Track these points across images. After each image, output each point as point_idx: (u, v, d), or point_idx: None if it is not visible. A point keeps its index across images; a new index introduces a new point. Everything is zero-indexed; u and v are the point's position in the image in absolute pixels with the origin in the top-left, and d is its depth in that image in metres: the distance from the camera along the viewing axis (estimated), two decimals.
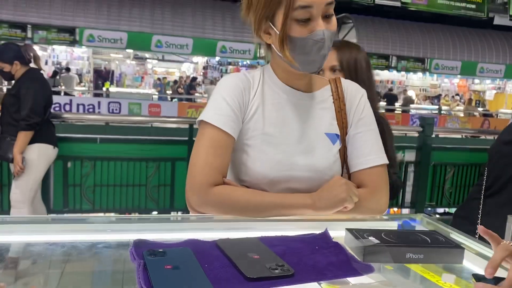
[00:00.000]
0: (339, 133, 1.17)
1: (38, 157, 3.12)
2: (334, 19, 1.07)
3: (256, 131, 1.12)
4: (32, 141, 3.08)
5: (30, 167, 3.11)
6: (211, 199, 1.05)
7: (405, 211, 4.51)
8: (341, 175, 1.18)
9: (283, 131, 1.13)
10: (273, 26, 1.06)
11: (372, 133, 1.17)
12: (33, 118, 3.02)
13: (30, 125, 3.04)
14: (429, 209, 4.99)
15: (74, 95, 12.16)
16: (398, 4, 6.65)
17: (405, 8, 6.84)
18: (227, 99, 1.11)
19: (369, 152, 1.15)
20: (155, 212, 4.56)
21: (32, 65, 3.26)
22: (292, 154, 1.12)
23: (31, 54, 3.25)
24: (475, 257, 0.89)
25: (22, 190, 3.14)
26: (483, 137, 6.89)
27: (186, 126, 3.66)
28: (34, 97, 3.05)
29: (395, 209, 4.81)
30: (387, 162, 1.17)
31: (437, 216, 5.33)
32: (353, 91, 1.20)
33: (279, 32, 1.04)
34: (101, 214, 4.72)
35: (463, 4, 7.09)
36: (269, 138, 1.12)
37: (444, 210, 5.07)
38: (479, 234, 1.49)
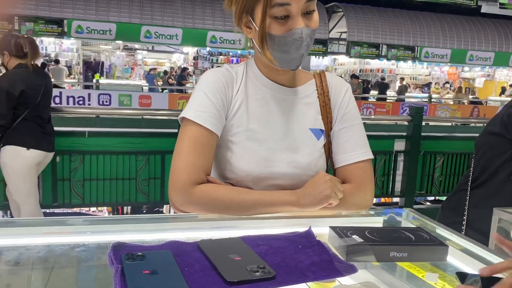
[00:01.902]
0: (323, 129, 1.15)
1: (10, 160, 3.00)
2: (315, 15, 1.05)
3: (240, 127, 1.11)
4: (4, 143, 2.96)
5: (5, 170, 3.03)
6: (195, 198, 1.03)
7: (396, 199, 4.54)
8: (326, 171, 1.17)
9: (267, 127, 1.11)
10: (252, 22, 1.05)
11: (357, 128, 1.16)
12: None
13: None
14: (420, 197, 5.03)
15: (64, 88, 12.02)
16: None
17: None
18: (209, 96, 1.08)
19: (354, 147, 1.14)
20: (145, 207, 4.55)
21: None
22: (276, 150, 1.11)
23: (27, 47, 3.06)
24: (460, 254, 0.88)
25: (13, 193, 3.10)
26: (473, 124, 6.94)
27: (176, 117, 3.62)
28: None
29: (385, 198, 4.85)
30: (372, 157, 1.16)
31: (428, 203, 5.38)
32: (338, 86, 1.19)
33: (258, 29, 1.03)
34: (93, 209, 4.71)
35: None
36: (253, 135, 1.10)
37: (435, 197, 5.11)
38: (465, 226, 1.50)
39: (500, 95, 17.98)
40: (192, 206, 1.04)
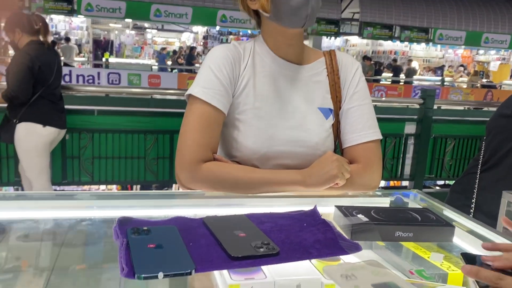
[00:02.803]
0: (332, 108, 1.14)
1: (25, 136, 3.01)
2: None
3: (247, 105, 1.10)
4: (20, 119, 2.98)
5: (19, 147, 3.05)
6: (201, 176, 1.03)
7: (405, 183, 4.52)
8: (334, 151, 1.16)
9: (275, 105, 1.10)
10: None
11: (366, 107, 1.14)
12: (14, 93, 2.91)
13: (8, 98, 2.93)
14: (429, 181, 5.00)
15: (73, 66, 12.05)
16: None
17: None
18: (216, 73, 1.07)
19: (363, 127, 1.12)
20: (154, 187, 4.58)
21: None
22: (283, 129, 1.10)
23: (39, 24, 3.06)
24: (466, 235, 0.88)
25: (26, 169, 3.14)
26: (485, 109, 6.84)
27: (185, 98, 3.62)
28: (17, 73, 2.91)
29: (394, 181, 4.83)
30: (381, 137, 1.15)
31: (437, 188, 5.35)
32: (348, 64, 1.17)
33: None
34: (103, 187, 4.75)
35: None
36: (260, 112, 1.09)
37: (444, 182, 5.08)
38: (474, 209, 1.49)
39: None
40: (198, 184, 1.04)
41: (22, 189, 3.33)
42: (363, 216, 0.81)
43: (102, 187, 5.05)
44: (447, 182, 5.04)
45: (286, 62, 1.13)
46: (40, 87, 3.03)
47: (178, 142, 1.07)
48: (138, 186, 5.07)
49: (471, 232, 0.89)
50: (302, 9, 1.01)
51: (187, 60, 14.61)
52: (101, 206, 0.94)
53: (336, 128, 1.16)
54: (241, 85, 1.10)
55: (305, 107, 1.12)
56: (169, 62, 15.21)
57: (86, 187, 4.48)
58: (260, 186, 1.02)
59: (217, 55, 1.10)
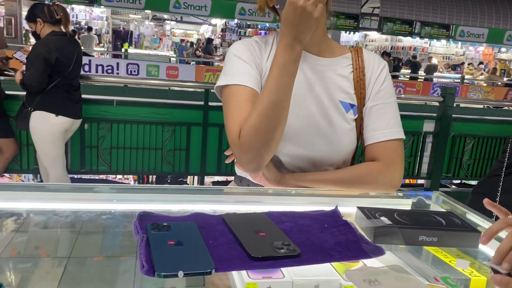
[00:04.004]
0: (355, 104, 1.12)
1: (39, 125, 3.06)
2: None
3: None
4: (34, 107, 3.03)
5: (34, 134, 3.10)
6: (254, 142, 0.99)
7: (420, 181, 4.45)
8: (356, 148, 1.15)
9: (296, 94, 1.07)
10: None
11: (390, 106, 1.13)
12: (29, 82, 2.95)
13: (25, 86, 2.98)
14: (445, 180, 4.93)
15: (93, 56, 12.14)
16: None
17: None
18: (242, 57, 1.08)
19: (386, 126, 1.11)
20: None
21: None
22: (303, 116, 1.09)
23: (60, 14, 3.09)
24: (492, 241, 0.85)
25: (41, 157, 3.19)
26: (506, 108, 6.69)
27: (202, 90, 3.62)
28: (34, 63, 2.95)
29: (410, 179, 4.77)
30: (404, 137, 1.13)
31: (454, 187, 5.27)
32: (375, 62, 1.15)
33: None
34: (120, 176, 4.80)
35: None
36: None
37: (461, 181, 5.00)
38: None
39: None
40: (257, 150, 1.00)
41: (40, 177, 3.39)
42: (386, 218, 0.80)
43: (119, 176, 5.10)
44: (464, 181, 4.96)
45: (309, 54, 1.12)
46: (57, 77, 3.06)
47: (226, 131, 1.04)
48: (154, 177, 5.11)
49: (497, 238, 0.86)
50: None
51: (204, 52, 14.61)
52: (120, 199, 0.94)
53: (360, 125, 1.14)
54: (265, 75, 1.09)
55: (326, 98, 1.10)
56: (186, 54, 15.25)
57: (103, 176, 4.53)
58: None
59: (240, 45, 1.12)
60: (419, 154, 4.08)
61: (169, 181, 5.06)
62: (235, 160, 1.08)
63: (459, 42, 17.54)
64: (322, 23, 1.11)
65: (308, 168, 1.11)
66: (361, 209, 0.85)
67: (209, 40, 15.74)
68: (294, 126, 1.08)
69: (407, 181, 5.10)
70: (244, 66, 1.07)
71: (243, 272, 0.70)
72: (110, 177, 4.96)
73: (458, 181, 5.18)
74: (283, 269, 0.72)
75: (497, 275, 0.63)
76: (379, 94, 1.12)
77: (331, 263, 0.75)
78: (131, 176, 5.26)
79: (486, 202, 0.88)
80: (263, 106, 0.97)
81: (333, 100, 1.10)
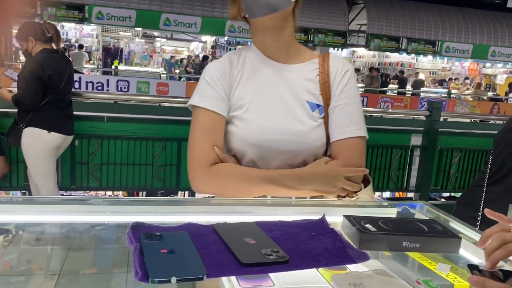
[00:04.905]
0: (321, 104, 1.18)
1: (31, 142, 3.06)
2: None
3: (239, 102, 1.17)
4: (26, 124, 3.04)
5: (26, 151, 3.09)
6: (212, 180, 1.11)
7: (410, 194, 4.51)
8: (327, 147, 1.20)
9: (264, 99, 1.16)
10: None
11: (352, 106, 1.18)
12: (23, 100, 2.97)
13: (18, 104, 2.99)
14: (435, 193, 4.98)
15: (83, 73, 12.16)
16: None
17: None
18: (211, 83, 1.17)
19: (347, 124, 1.16)
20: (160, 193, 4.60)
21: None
22: (273, 118, 1.15)
23: (52, 32, 3.13)
24: (473, 247, 0.89)
25: (32, 174, 3.18)
26: (492, 122, 6.82)
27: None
28: (27, 81, 2.97)
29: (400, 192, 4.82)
30: (365, 135, 1.18)
31: (443, 200, 5.33)
32: (339, 65, 1.22)
33: None
34: (109, 193, 4.78)
35: None
36: (250, 107, 1.16)
37: (450, 194, 5.06)
38: (480, 222, 1.50)
39: (505, 94, 17.30)
40: (212, 185, 1.12)
41: (30, 194, 3.37)
42: (371, 226, 0.83)
43: (109, 193, 5.08)
44: (452, 194, 5.03)
45: (275, 62, 1.19)
46: (49, 94, 3.07)
47: (187, 150, 1.14)
48: (144, 193, 5.10)
49: (477, 244, 0.90)
50: (265, 2, 1.08)
51: (199, 69, 14.69)
52: (112, 211, 0.96)
53: (327, 124, 1.20)
54: (235, 88, 1.18)
55: (293, 100, 1.17)
56: (177, 71, 15.31)
57: (93, 192, 4.51)
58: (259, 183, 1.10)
59: (210, 69, 1.21)
60: (407, 167, 4.14)
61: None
62: (189, 173, 1.15)
63: (445, 58, 17.86)
64: (289, 31, 1.19)
65: (281, 167, 1.16)
66: (347, 217, 0.88)
67: (205, 57, 15.87)
68: (264, 131, 1.14)
69: (396, 194, 5.16)
70: (212, 91, 1.16)
71: (234, 280, 0.72)
72: (100, 194, 4.94)
73: (447, 194, 5.24)
74: (273, 277, 0.74)
75: (473, 276, 0.67)
76: (342, 94, 1.18)
77: (320, 271, 0.78)
78: (121, 192, 5.25)
79: (487, 212, 0.91)
80: (246, 182, 1.11)
81: (300, 101, 1.17)
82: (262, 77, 1.18)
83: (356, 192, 1.14)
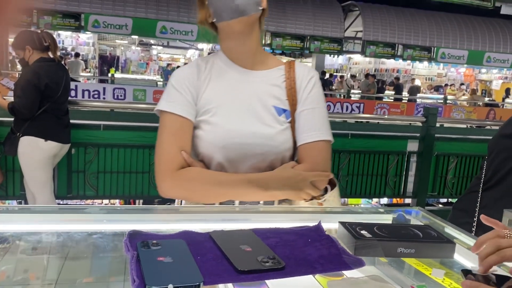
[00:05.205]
0: (288, 109, 1.20)
1: (28, 150, 3.06)
2: None
3: (206, 107, 1.18)
4: (23, 133, 3.03)
5: (23, 160, 3.09)
6: (178, 182, 1.12)
7: (407, 200, 4.52)
8: (294, 151, 1.22)
9: (231, 104, 1.18)
10: None
11: (318, 110, 1.21)
12: (20, 109, 2.97)
13: (15, 113, 3.00)
14: (432, 199, 4.99)
15: (79, 81, 12.16)
16: None
17: None
18: (178, 88, 1.18)
19: (312, 128, 1.18)
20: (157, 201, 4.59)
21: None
22: (240, 122, 1.17)
23: (48, 41, 3.13)
24: (467, 252, 0.89)
25: (28, 183, 3.17)
26: (488, 127, 6.85)
27: None
28: (24, 90, 2.98)
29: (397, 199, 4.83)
30: (330, 139, 1.20)
31: (440, 205, 5.34)
32: (305, 72, 1.24)
33: None
34: (106, 201, 4.77)
35: None
36: (218, 111, 1.17)
37: (447, 199, 5.07)
38: (476, 227, 1.50)
39: (503, 99, 17.44)
40: (178, 190, 1.13)
41: (26, 203, 3.35)
42: (366, 232, 0.83)
43: (105, 201, 5.07)
44: (450, 200, 5.04)
45: (240, 67, 1.22)
46: (46, 103, 3.08)
47: (155, 154, 1.16)
48: (141, 201, 5.09)
49: (471, 249, 0.90)
50: (231, 5, 1.11)
51: None
52: (109, 220, 0.96)
53: (294, 129, 1.22)
54: (202, 93, 1.19)
55: (260, 105, 1.19)
56: None
57: (89, 201, 4.50)
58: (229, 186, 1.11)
59: (178, 74, 1.23)
60: (404, 173, 4.15)
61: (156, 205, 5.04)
62: (156, 177, 1.16)
63: (441, 64, 17.96)
64: (256, 37, 1.21)
65: (249, 171, 1.17)
66: (342, 224, 0.88)
67: None
68: (232, 134, 1.16)
69: (394, 200, 5.16)
70: (179, 96, 1.18)
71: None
72: (97, 202, 4.93)
73: (445, 200, 5.25)
74: (269, 284, 0.75)
75: (467, 280, 0.67)
76: (308, 100, 1.21)
77: (316, 277, 0.79)
78: (117, 200, 5.24)
79: (483, 218, 0.92)
80: (212, 186, 1.12)
81: (267, 106, 1.19)
82: (229, 82, 1.21)
83: (322, 195, 1.16)
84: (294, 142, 1.20)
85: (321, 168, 1.15)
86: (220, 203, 1.16)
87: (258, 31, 1.22)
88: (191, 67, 1.23)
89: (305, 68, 1.26)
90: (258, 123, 1.17)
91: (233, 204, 1.14)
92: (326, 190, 1.18)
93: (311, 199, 1.15)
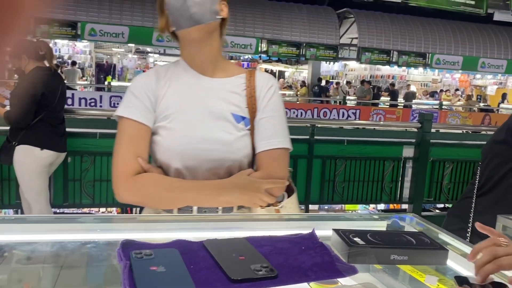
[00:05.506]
0: (247, 117, 1.21)
1: (24, 159, 3.05)
2: None
3: (164, 113, 1.19)
4: (19, 142, 3.03)
5: (18, 169, 3.07)
6: (134, 187, 1.11)
7: (404, 206, 4.52)
8: (253, 158, 1.22)
9: (190, 110, 1.19)
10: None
11: (276, 118, 1.22)
12: (15, 119, 2.96)
13: (11, 122, 2.99)
14: (429, 204, 5.00)
15: (76, 89, 12.16)
16: (398, 0, 6.62)
17: (406, 3, 6.81)
18: (136, 94, 1.19)
19: (271, 136, 1.19)
20: None
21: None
22: (198, 129, 1.17)
23: (44, 50, 3.12)
24: (461, 258, 0.90)
25: (24, 191, 3.16)
26: (484, 132, 6.88)
27: None
28: (20, 99, 2.97)
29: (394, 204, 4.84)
30: (289, 147, 1.20)
31: (437, 211, 5.35)
32: (265, 81, 1.26)
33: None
34: (102, 209, 4.75)
35: (463, 0, 7.09)
36: (177, 117, 1.18)
37: (444, 205, 5.08)
38: (470, 233, 1.51)
39: (498, 104, 17.56)
40: (134, 195, 1.13)
41: (22, 212, 3.34)
42: (359, 239, 0.84)
43: (102, 209, 5.05)
44: (446, 205, 5.05)
45: (200, 75, 1.23)
46: (42, 111, 3.07)
47: (112, 160, 1.15)
48: (138, 209, 5.07)
49: (466, 256, 0.91)
50: (182, 8, 1.13)
51: None
52: (103, 229, 0.96)
53: (254, 137, 1.23)
54: (160, 99, 1.20)
55: (218, 111, 1.19)
56: None
57: (86, 209, 4.48)
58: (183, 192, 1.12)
59: (136, 81, 1.24)
60: (400, 179, 4.16)
61: None
62: (113, 182, 1.15)
63: (436, 70, 18.06)
64: (216, 45, 1.23)
65: (207, 177, 1.18)
66: (336, 231, 0.89)
67: None
68: (189, 139, 1.16)
69: (391, 206, 5.17)
70: (137, 102, 1.18)
71: None
72: (93, 210, 4.91)
73: (442, 206, 5.26)
74: None
75: (460, 287, 0.68)
76: (267, 108, 1.22)
77: (310, 285, 0.79)
78: (114, 209, 5.22)
79: (478, 225, 0.92)
80: (167, 192, 1.12)
81: (225, 113, 1.20)
82: (189, 89, 1.21)
83: (279, 202, 1.18)
84: (254, 150, 1.21)
85: (277, 176, 1.16)
86: (178, 210, 1.16)
87: (218, 39, 1.24)
88: (150, 74, 1.25)
89: (266, 77, 1.28)
90: (215, 129, 1.18)
91: (191, 211, 1.16)
92: (284, 197, 1.20)
93: (268, 206, 1.16)
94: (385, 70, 19.64)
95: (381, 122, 7.89)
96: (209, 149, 1.16)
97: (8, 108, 3.08)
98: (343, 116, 11.41)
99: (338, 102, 14.02)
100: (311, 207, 4.23)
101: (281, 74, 23.30)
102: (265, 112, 1.21)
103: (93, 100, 10.38)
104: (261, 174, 1.15)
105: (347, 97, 14.58)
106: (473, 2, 7.05)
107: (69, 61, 16.28)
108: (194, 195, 1.12)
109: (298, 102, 14.00)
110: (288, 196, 1.21)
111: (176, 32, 1.20)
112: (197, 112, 1.18)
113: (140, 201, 1.15)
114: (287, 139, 1.21)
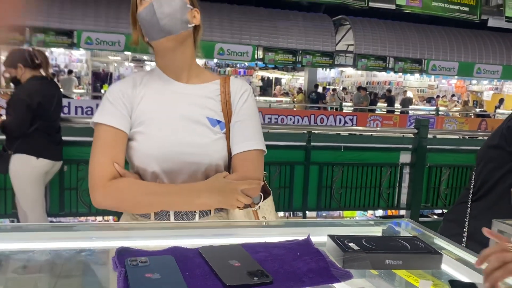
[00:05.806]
0: (222, 120, 1.24)
1: (20, 168, 3.04)
2: None
3: (140, 118, 1.21)
4: (15, 150, 3.03)
5: (14, 177, 3.07)
6: (110, 192, 1.12)
7: (402, 212, 4.52)
8: (229, 160, 1.24)
9: (165, 115, 1.21)
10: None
11: (250, 122, 1.25)
12: (11, 128, 2.96)
13: (6, 131, 3.00)
14: (427, 210, 5.00)
15: (72, 98, 12.16)
16: (393, 7, 6.67)
17: (400, 10, 6.86)
18: (112, 101, 1.21)
19: (245, 138, 1.21)
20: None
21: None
22: (173, 133, 1.19)
23: (40, 59, 3.12)
24: (455, 263, 0.90)
25: (20, 200, 3.15)
26: (480, 137, 6.90)
27: None
28: (16, 109, 2.97)
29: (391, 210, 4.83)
30: (262, 148, 1.23)
31: (435, 216, 5.35)
32: (239, 86, 1.29)
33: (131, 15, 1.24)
34: (99, 218, 4.73)
35: (457, 7, 7.15)
36: (152, 122, 1.20)
37: (442, 211, 5.09)
38: (466, 238, 1.51)
39: (495, 109, 17.68)
40: (110, 200, 1.13)
41: (18, 221, 3.32)
42: (354, 245, 0.84)
43: (99, 218, 5.03)
44: (444, 210, 5.05)
45: (175, 81, 1.26)
46: (38, 120, 3.07)
47: (89, 166, 1.16)
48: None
49: (460, 260, 0.91)
50: (152, 20, 1.16)
51: None
52: (98, 237, 0.96)
53: (229, 141, 1.25)
54: (137, 105, 1.22)
55: (194, 116, 1.22)
56: None
57: (82, 218, 4.46)
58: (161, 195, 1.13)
59: (113, 89, 1.25)
60: (397, 185, 4.16)
61: None
62: (89, 187, 1.16)
63: (432, 76, 18.15)
64: (189, 53, 1.26)
65: (184, 180, 1.19)
66: (331, 237, 0.89)
67: None
68: (165, 143, 1.17)
69: (389, 212, 5.17)
70: (112, 108, 1.20)
71: None
72: (90, 219, 4.89)
73: (439, 211, 5.26)
74: None
75: None
76: (241, 112, 1.25)
77: None
78: (111, 217, 5.20)
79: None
80: (143, 196, 1.13)
81: (201, 117, 1.22)
82: (164, 95, 1.24)
83: (257, 203, 1.20)
84: (230, 154, 1.23)
85: (252, 176, 1.17)
86: (155, 216, 1.18)
87: (192, 46, 1.27)
88: (126, 82, 1.27)
89: (239, 82, 1.31)
90: (191, 133, 1.19)
91: (168, 215, 1.17)
92: (260, 198, 1.22)
93: (245, 207, 1.17)
94: (382, 76, 19.74)
95: (378, 128, 7.90)
96: (186, 152, 1.17)
97: (4, 117, 3.08)
98: (340, 123, 11.42)
99: (335, 108, 14.06)
100: (308, 214, 4.22)
101: (277, 81, 23.37)
102: (239, 116, 1.24)
103: (89, 109, 10.37)
104: (237, 176, 1.17)
105: (344, 104, 14.61)
106: (467, 9, 7.14)
107: (66, 70, 16.29)
108: (170, 198, 1.13)
109: (295, 109, 14.03)
110: (265, 198, 1.23)
111: (150, 42, 1.24)
112: (173, 116, 1.20)
113: (117, 205, 1.15)
114: (261, 141, 1.24)
